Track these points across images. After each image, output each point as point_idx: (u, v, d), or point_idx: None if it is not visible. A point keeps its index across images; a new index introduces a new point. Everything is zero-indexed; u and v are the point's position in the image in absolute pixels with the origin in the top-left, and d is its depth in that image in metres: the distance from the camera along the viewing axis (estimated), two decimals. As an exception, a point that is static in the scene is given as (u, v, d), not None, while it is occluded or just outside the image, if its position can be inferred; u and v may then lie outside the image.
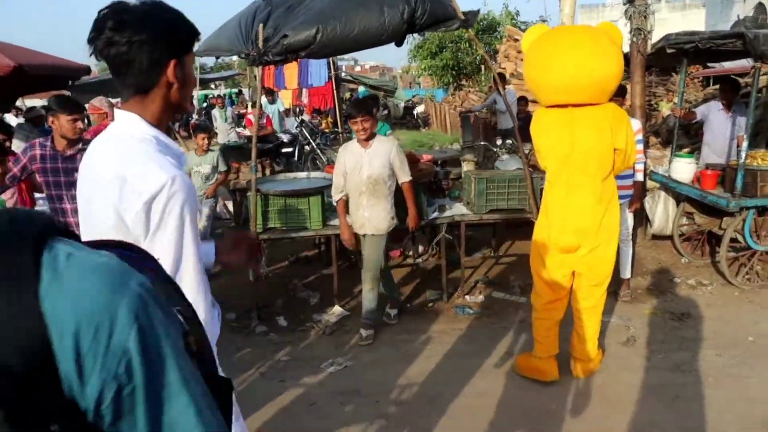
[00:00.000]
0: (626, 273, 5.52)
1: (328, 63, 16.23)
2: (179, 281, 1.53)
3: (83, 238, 0.79)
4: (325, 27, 4.65)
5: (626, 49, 5.57)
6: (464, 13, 5.19)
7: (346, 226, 4.85)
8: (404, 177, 4.78)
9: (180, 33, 1.57)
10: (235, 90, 30.56)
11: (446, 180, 6.60)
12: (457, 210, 5.72)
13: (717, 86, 9.57)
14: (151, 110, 1.60)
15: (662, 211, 6.47)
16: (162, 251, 1.52)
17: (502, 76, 10.39)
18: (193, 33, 1.61)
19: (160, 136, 1.62)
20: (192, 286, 1.60)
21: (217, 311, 1.81)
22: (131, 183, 1.52)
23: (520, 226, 6.33)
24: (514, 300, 5.56)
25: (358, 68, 51.43)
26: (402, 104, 23.22)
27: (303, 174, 6.02)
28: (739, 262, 5.76)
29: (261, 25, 4.88)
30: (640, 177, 5.32)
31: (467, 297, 5.66)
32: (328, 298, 5.48)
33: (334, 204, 4.95)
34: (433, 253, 6.68)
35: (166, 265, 1.50)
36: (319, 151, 11.12)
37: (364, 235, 4.82)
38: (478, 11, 5.62)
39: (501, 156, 7.66)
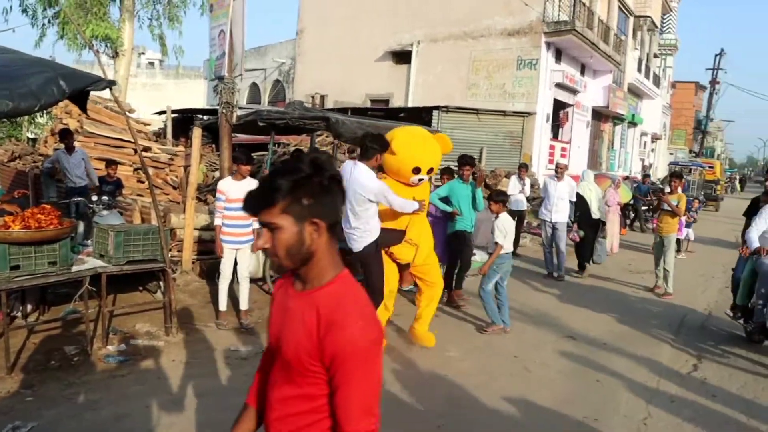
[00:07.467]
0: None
1: None
2: None
3: None
4: None
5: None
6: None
7: None
8: None
9: None
10: None
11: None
12: (96, 263, 5.86)
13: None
14: None
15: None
16: None
17: (69, 131, 10.00)
18: None
19: None
20: None
21: None
22: None
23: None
24: (154, 345, 5.96)
25: None
26: None
27: None
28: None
29: None
30: (256, 225, 6.50)
31: (109, 347, 5.79)
32: None
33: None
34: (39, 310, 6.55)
35: None
36: None
37: None
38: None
39: (100, 212, 7.83)
